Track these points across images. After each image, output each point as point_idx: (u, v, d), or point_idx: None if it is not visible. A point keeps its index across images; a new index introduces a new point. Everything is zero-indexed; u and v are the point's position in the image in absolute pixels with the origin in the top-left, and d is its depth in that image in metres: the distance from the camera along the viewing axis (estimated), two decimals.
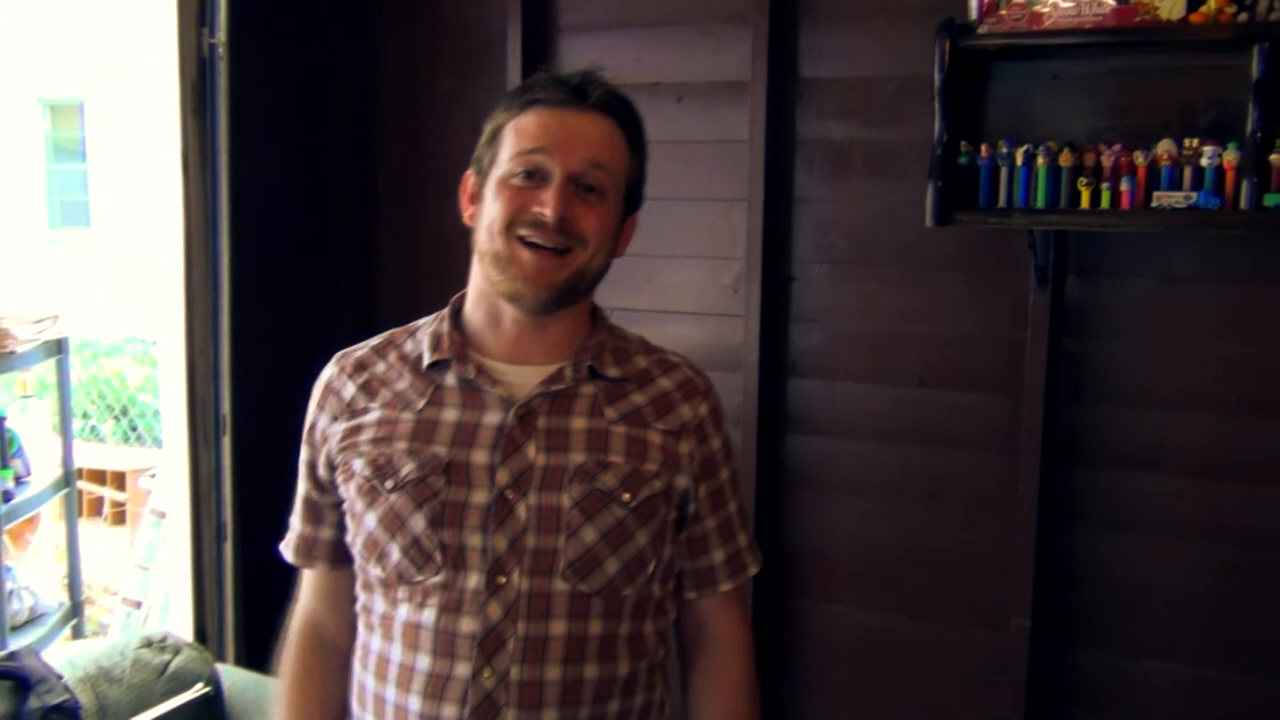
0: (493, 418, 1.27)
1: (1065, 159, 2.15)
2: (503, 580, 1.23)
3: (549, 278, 1.26)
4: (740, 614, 1.43)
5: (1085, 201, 2.14)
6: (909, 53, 2.35)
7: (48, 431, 3.44)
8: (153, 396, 6.21)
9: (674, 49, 2.64)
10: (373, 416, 1.31)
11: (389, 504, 1.26)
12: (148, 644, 2.03)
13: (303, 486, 1.39)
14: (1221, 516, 2.27)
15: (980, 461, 2.45)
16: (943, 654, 2.53)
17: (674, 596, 1.38)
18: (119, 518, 5.16)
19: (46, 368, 3.34)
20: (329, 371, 1.39)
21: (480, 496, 1.24)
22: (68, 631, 3.38)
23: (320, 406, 1.37)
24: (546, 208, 1.24)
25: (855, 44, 2.47)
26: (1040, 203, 2.17)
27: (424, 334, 1.35)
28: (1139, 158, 2.10)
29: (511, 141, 1.27)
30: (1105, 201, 2.12)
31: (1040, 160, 2.16)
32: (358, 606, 1.34)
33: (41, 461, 3.34)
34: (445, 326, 1.34)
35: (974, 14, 2.17)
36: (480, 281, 1.32)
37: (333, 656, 1.39)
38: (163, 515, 3.73)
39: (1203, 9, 1.98)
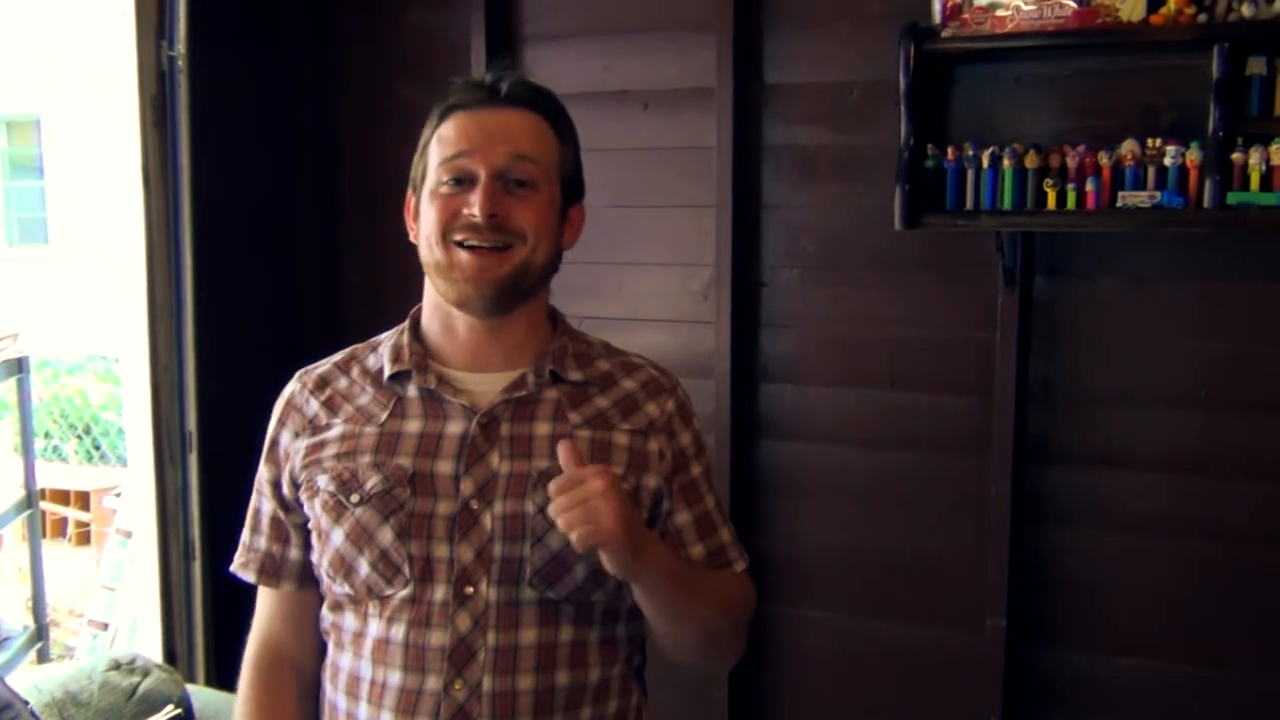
0: (456, 427, 1.26)
1: (1031, 160, 2.16)
2: (470, 591, 1.22)
3: (491, 274, 1.25)
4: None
5: (1051, 202, 2.15)
6: (873, 57, 2.35)
7: (8, 452, 3.38)
8: (116, 415, 6.13)
9: (640, 57, 2.64)
10: (336, 432, 1.30)
11: (355, 518, 1.25)
12: (116, 666, 2.00)
13: (267, 505, 1.36)
14: (1193, 513, 2.28)
15: (953, 463, 2.46)
16: (919, 656, 2.53)
17: None
18: (84, 538, 5.08)
19: (6, 388, 3.29)
20: (291, 388, 1.37)
21: (446, 507, 1.23)
22: (33, 655, 3.33)
23: (282, 423, 1.35)
24: (475, 208, 1.23)
25: (820, 49, 2.48)
26: (1007, 204, 2.18)
27: (385, 347, 1.35)
28: (1103, 158, 2.12)
29: (436, 151, 1.27)
30: (1071, 202, 2.14)
31: (1006, 162, 2.17)
32: (326, 625, 1.32)
33: (2, 483, 3.28)
34: (405, 339, 1.33)
35: (937, 18, 2.18)
36: (432, 294, 1.32)
37: (294, 679, 1.37)
38: (129, 535, 3.67)
39: (1163, 10, 2.00)
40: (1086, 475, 2.36)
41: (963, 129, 2.30)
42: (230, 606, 1.42)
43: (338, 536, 1.26)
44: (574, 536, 1.13)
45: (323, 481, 1.28)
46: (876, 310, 2.50)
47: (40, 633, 3.37)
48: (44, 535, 5.10)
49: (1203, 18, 1.98)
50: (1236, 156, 2.00)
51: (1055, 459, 2.38)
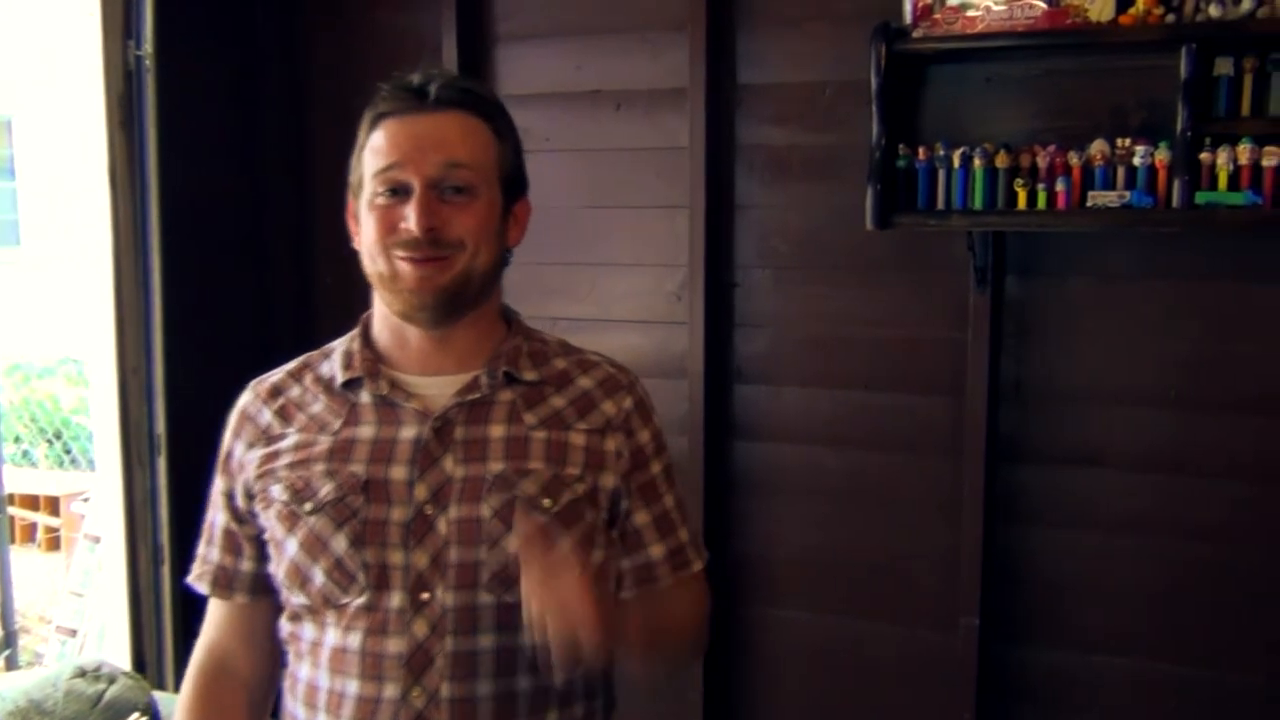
0: (409, 432, 1.25)
1: (1001, 160, 2.17)
2: (426, 597, 1.20)
3: (432, 283, 1.23)
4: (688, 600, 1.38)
5: (1022, 202, 2.15)
6: (846, 57, 2.36)
7: None
8: (87, 419, 6.06)
9: (613, 57, 2.63)
10: (289, 441, 1.29)
11: (309, 527, 1.23)
12: (81, 674, 1.97)
13: (220, 518, 1.34)
14: (1165, 511, 2.29)
15: (926, 463, 2.46)
16: (893, 656, 2.53)
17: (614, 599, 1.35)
18: (53, 544, 5.02)
19: None
20: (244, 398, 1.35)
21: (400, 513, 1.22)
22: (1, 662, 3.28)
23: (236, 434, 1.33)
24: (411, 223, 1.21)
25: (792, 49, 2.47)
26: (978, 204, 2.19)
27: (337, 354, 1.33)
28: (1073, 158, 2.12)
29: (369, 161, 1.25)
30: (1041, 202, 2.14)
31: (977, 162, 2.18)
32: (284, 635, 1.30)
33: None
34: (356, 344, 1.32)
35: (909, 18, 2.18)
36: (379, 302, 1.30)
37: (240, 692, 1.35)
38: (97, 540, 3.63)
39: (1131, 11, 2.01)
40: (1058, 474, 2.37)
41: (935, 129, 2.31)
42: (200, 612, 1.41)
43: (292, 546, 1.25)
44: (551, 638, 1.08)
45: (276, 491, 1.26)
46: (850, 310, 2.50)
47: (8, 639, 3.32)
48: (13, 541, 5.06)
49: (1171, 18, 1.99)
50: (1205, 156, 2.01)
51: (1027, 458, 2.39)
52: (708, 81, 2.50)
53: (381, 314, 1.31)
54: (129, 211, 2.48)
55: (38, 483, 5.61)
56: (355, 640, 1.21)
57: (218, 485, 1.34)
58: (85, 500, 4.52)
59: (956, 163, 2.19)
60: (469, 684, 1.20)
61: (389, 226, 1.22)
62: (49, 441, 6.35)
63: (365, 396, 1.28)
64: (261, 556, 1.31)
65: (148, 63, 2.42)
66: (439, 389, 1.27)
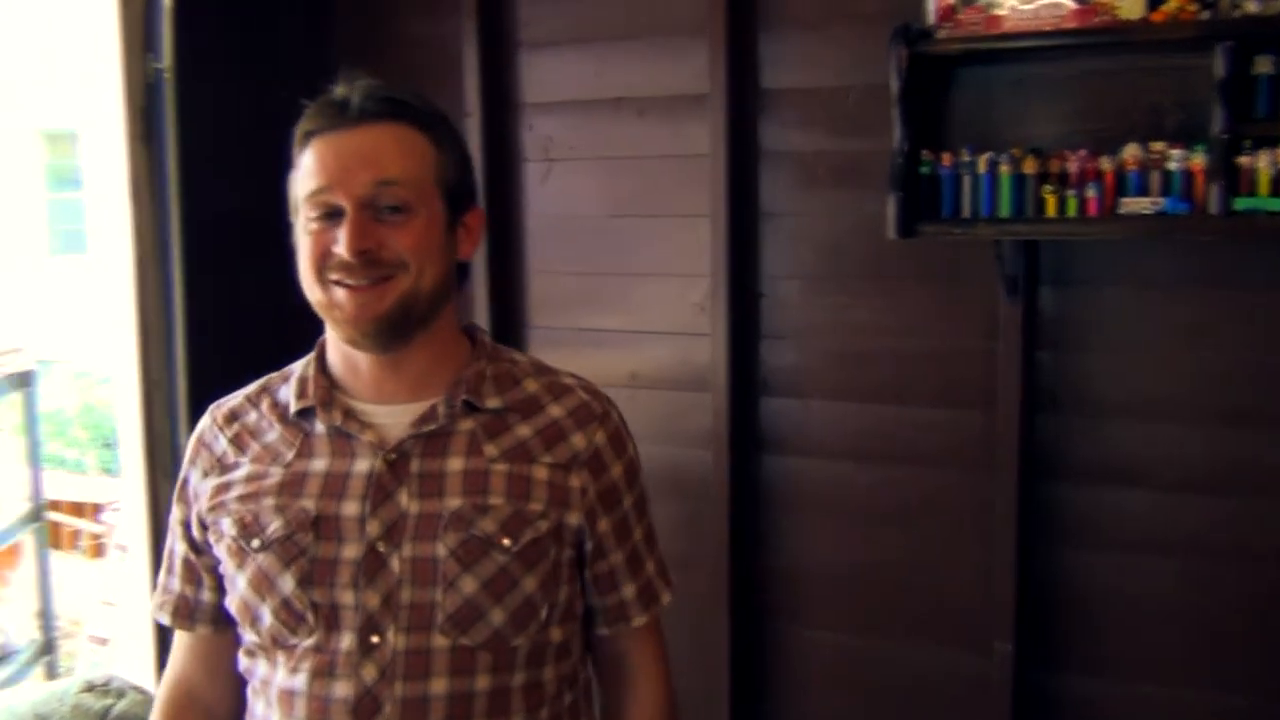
0: (363, 465, 1.19)
1: (1029, 166, 2.08)
2: (376, 639, 1.15)
3: (371, 310, 1.16)
4: (657, 644, 1.34)
5: (1051, 209, 2.06)
6: (870, 60, 2.27)
7: (21, 464, 3.38)
8: None
9: (634, 62, 2.58)
10: (241, 473, 1.24)
11: (257, 565, 1.19)
12: (89, 688, 1.97)
13: (179, 547, 1.30)
14: (1210, 532, 2.18)
15: (957, 479, 2.38)
16: (923, 679, 2.45)
17: (580, 636, 1.29)
18: (97, 550, 5.10)
19: (10, 402, 3.30)
20: (203, 423, 1.31)
21: (351, 551, 1.16)
22: (40, 669, 3.33)
23: (192, 461, 1.29)
24: (342, 247, 1.14)
25: (815, 52, 2.40)
26: (1005, 212, 2.10)
27: (293, 380, 1.27)
28: (1105, 163, 2.03)
29: (300, 184, 1.19)
30: (1071, 209, 2.05)
31: (1004, 168, 2.09)
32: (241, 669, 1.26)
33: (12, 496, 3.29)
34: (311, 370, 1.26)
35: (932, 19, 2.10)
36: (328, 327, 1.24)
37: None
38: (126, 549, 3.66)
39: (1164, 8, 1.91)
40: (1096, 491, 2.27)
41: (961, 133, 2.22)
42: None
43: (241, 583, 1.20)
44: None
45: (226, 525, 1.22)
46: (878, 321, 2.42)
47: (48, 647, 3.37)
48: (59, 548, 5.15)
49: (1205, 15, 1.88)
50: (1244, 160, 1.90)
51: (1063, 474, 2.29)
52: (729, 86, 2.43)
53: (333, 339, 1.26)
54: (150, 224, 2.48)
55: (85, 490, 5.71)
56: (302, 682, 1.17)
57: (175, 514, 1.30)
58: (116, 509, 4.58)
59: (982, 169, 2.10)
60: None
61: (322, 251, 1.16)
62: (105, 447, 6.46)
63: (319, 426, 1.23)
64: (221, 588, 1.27)
65: (167, 75, 2.42)
66: (395, 418, 1.21)
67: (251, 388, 1.31)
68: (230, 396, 1.32)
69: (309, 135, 1.19)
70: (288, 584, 1.17)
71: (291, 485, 1.20)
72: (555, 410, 1.26)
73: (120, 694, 2.00)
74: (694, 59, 2.49)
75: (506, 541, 1.17)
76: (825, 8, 2.37)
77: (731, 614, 2.54)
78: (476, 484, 1.18)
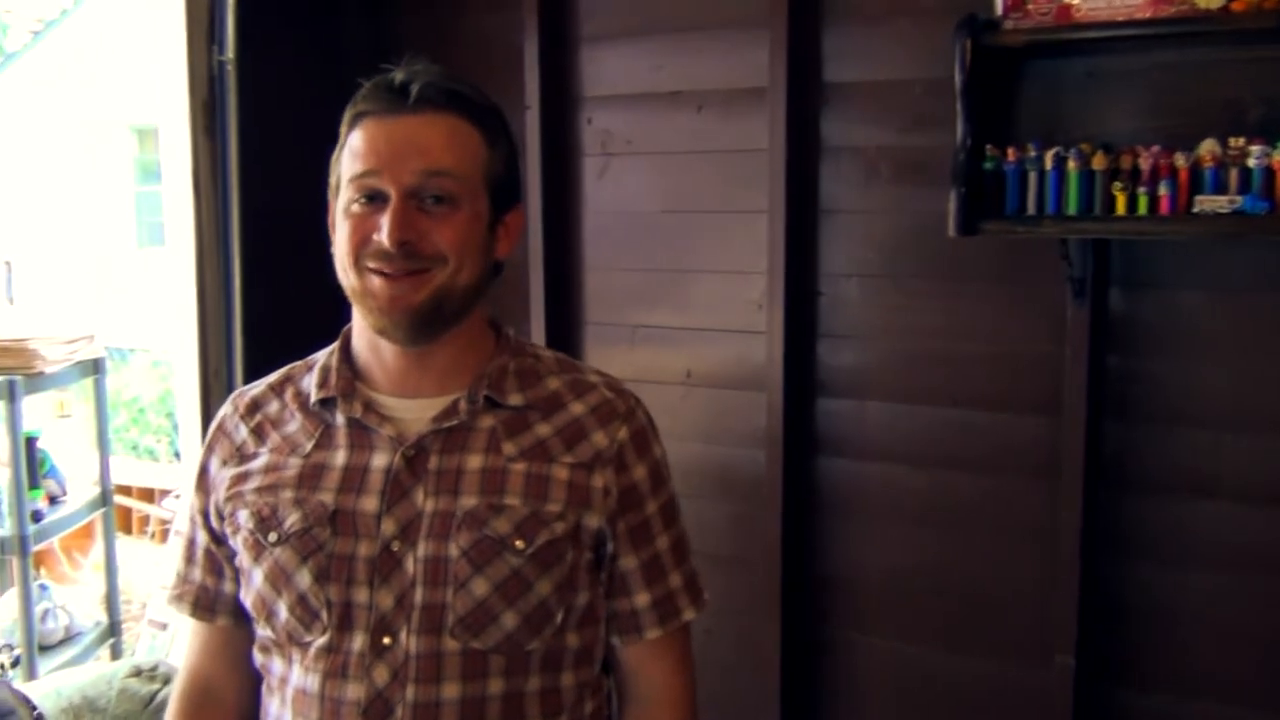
0: (381, 460, 1.17)
1: (1099, 162, 1.99)
2: (388, 641, 1.13)
3: (405, 302, 1.14)
4: (677, 664, 1.27)
5: (1121, 207, 1.98)
6: (936, 53, 2.20)
7: (91, 449, 3.45)
8: None
9: (694, 56, 2.54)
10: (260, 463, 1.22)
11: (274, 559, 1.17)
12: (136, 673, 1.99)
13: (200, 536, 1.29)
14: None
15: (1020, 486, 2.30)
16: (981, 691, 2.37)
17: (604, 642, 1.25)
18: (164, 535, 5.20)
19: (82, 388, 3.36)
20: (223, 411, 1.30)
21: (367, 548, 1.14)
22: (105, 652, 3.39)
23: (210, 450, 1.28)
24: (384, 235, 1.12)
25: (879, 46, 2.35)
26: (1072, 209, 2.02)
27: (316, 369, 1.25)
28: (1180, 159, 1.94)
29: (346, 165, 1.16)
30: (1143, 207, 1.96)
31: (1071, 164, 2.01)
32: (258, 665, 1.25)
33: (81, 480, 3.36)
34: (334, 360, 1.24)
35: (999, 9, 2.03)
36: (358, 315, 1.22)
37: (224, 719, 1.30)
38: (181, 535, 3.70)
39: None
40: (1166, 503, 2.17)
41: (1029, 128, 2.14)
42: None
43: (257, 577, 1.19)
44: None
45: (243, 518, 1.21)
46: (940, 322, 2.35)
47: (113, 629, 3.43)
48: (129, 532, 5.26)
49: None
50: None
51: (1132, 485, 2.20)
52: (789, 80, 2.38)
53: (360, 328, 1.23)
54: (211, 216, 2.51)
55: (155, 476, 5.83)
56: (315, 683, 1.15)
57: (194, 503, 1.29)
58: (176, 497, 4.65)
59: (1049, 164, 2.03)
60: None
61: (363, 237, 1.14)
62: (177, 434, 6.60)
63: (340, 418, 1.21)
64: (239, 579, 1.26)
65: (230, 68, 2.45)
66: (416, 412, 1.19)
67: (275, 376, 1.30)
68: (253, 384, 1.31)
69: (361, 116, 1.17)
70: (304, 579, 1.15)
71: (310, 478, 1.19)
72: (577, 408, 1.23)
73: (166, 679, 2.02)
74: (754, 53, 2.45)
75: (520, 544, 1.14)
76: (889, 0, 2.31)
77: (783, 618, 2.49)
78: (493, 483, 1.16)
